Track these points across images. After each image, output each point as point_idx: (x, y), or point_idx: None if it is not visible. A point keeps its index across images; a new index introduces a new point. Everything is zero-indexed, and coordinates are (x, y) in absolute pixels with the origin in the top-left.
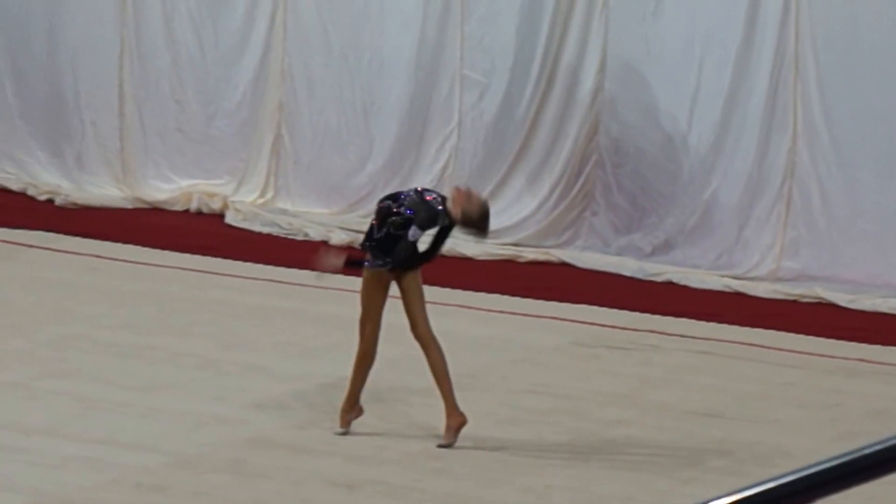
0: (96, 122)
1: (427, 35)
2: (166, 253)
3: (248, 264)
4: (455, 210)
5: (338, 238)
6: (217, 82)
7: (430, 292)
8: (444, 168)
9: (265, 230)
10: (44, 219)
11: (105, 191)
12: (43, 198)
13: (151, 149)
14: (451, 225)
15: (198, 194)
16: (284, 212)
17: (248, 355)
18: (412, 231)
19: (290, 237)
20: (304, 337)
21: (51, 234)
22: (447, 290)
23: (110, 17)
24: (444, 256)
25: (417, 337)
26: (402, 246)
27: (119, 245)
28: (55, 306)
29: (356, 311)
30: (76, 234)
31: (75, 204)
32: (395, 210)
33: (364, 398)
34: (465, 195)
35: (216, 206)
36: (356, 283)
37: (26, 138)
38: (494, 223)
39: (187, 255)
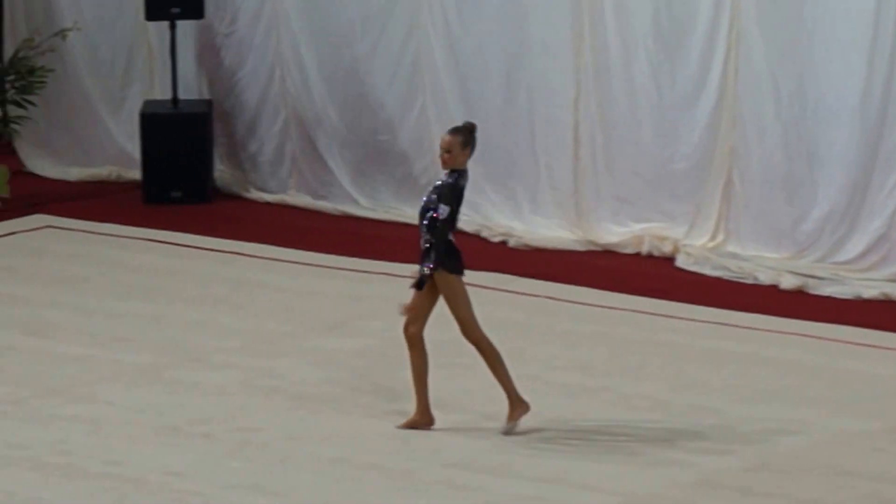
0: (551, 165)
1: (873, 83)
2: (618, 295)
3: (699, 307)
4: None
5: (787, 283)
6: (674, 126)
7: None
8: (893, 215)
9: (715, 274)
10: (497, 260)
11: (557, 233)
12: (496, 239)
13: (605, 191)
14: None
15: (649, 237)
16: (735, 256)
17: (699, 398)
18: (440, 209)
19: (740, 281)
20: (755, 380)
21: (503, 276)
22: None
23: (567, 61)
24: None
25: (409, 336)
26: (437, 233)
27: (571, 287)
28: (508, 347)
29: (806, 355)
30: (528, 276)
31: (528, 246)
32: (428, 204)
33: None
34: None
35: (667, 249)
36: (809, 328)
37: (480, 181)
38: None
39: (639, 298)
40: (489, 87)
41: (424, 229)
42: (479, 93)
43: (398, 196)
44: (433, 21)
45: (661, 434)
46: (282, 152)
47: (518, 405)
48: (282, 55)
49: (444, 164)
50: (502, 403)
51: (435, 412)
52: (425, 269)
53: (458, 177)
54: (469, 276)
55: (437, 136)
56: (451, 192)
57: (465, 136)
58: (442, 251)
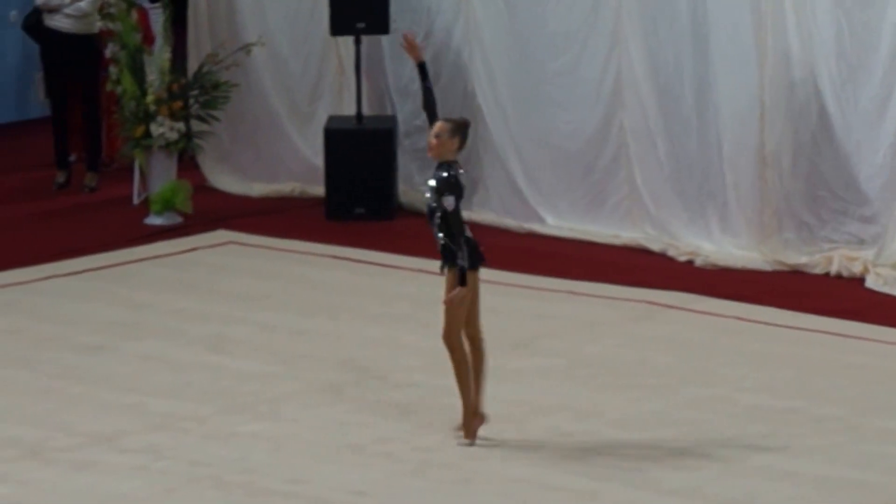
0: (739, 184)
1: None
2: (806, 316)
3: (889, 329)
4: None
5: None
6: (858, 146)
7: None
8: None
9: None
10: (683, 279)
11: (745, 252)
12: (683, 258)
13: (791, 212)
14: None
15: (838, 258)
16: None
17: (889, 420)
18: (446, 201)
19: None
20: None
21: (690, 295)
22: None
23: (751, 79)
24: None
25: (467, 337)
26: (454, 226)
27: (758, 307)
28: (694, 367)
29: None
30: (716, 296)
31: (715, 265)
32: (432, 208)
33: None
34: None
35: (857, 269)
36: None
37: (674, 197)
38: None
39: (827, 319)
40: (685, 103)
41: (438, 230)
42: (675, 109)
43: (587, 214)
44: (633, 35)
45: (849, 457)
46: (469, 169)
47: (474, 418)
48: (475, 71)
49: (431, 149)
50: (711, 424)
51: (637, 434)
52: (462, 264)
53: (448, 167)
54: (655, 295)
55: (635, 156)
56: (449, 183)
57: (456, 126)
58: (463, 244)
